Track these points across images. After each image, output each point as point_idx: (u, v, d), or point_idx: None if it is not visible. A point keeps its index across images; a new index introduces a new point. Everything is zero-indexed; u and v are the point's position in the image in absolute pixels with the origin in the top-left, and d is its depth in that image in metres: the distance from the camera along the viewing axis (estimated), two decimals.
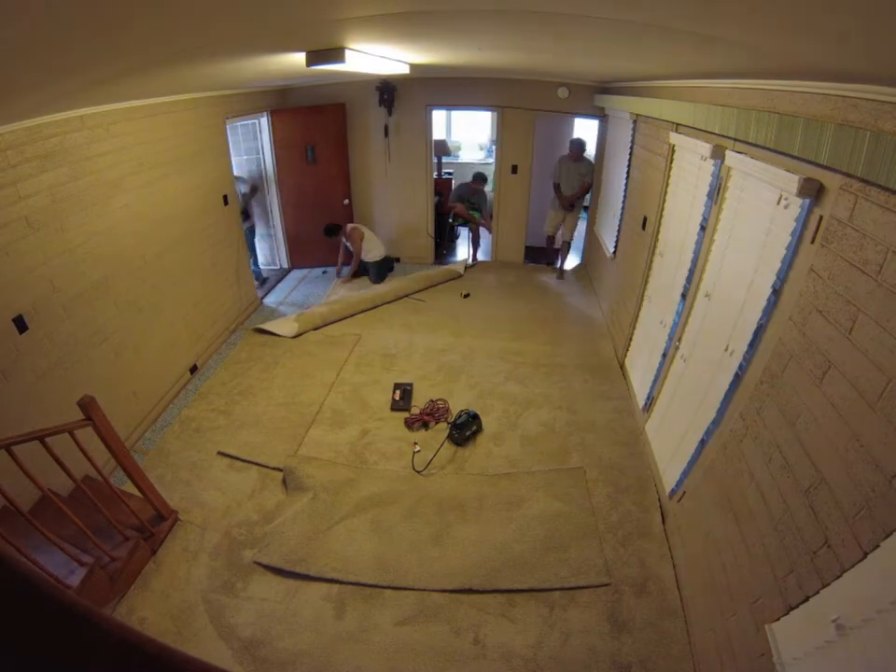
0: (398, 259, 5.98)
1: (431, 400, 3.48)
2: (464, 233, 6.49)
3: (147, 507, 2.44)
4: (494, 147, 6.07)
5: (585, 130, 6.02)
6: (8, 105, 1.83)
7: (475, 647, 2.07)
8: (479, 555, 2.42)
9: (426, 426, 3.32)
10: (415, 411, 3.43)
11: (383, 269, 5.54)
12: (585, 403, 3.54)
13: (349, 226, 5.35)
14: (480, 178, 5.92)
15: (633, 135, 4.11)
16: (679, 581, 2.29)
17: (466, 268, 5.88)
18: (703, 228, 2.49)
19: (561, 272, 5.86)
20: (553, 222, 5.62)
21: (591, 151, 5.61)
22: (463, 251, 6.61)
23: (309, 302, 5.10)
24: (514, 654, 2.04)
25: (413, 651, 2.06)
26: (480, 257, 6.30)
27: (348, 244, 5.39)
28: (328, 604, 2.24)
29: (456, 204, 5.86)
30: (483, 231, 6.10)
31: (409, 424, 3.31)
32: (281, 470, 2.93)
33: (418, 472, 2.93)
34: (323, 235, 5.31)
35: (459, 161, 8.11)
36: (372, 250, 5.41)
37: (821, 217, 1.53)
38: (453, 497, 2.76)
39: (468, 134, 8.58)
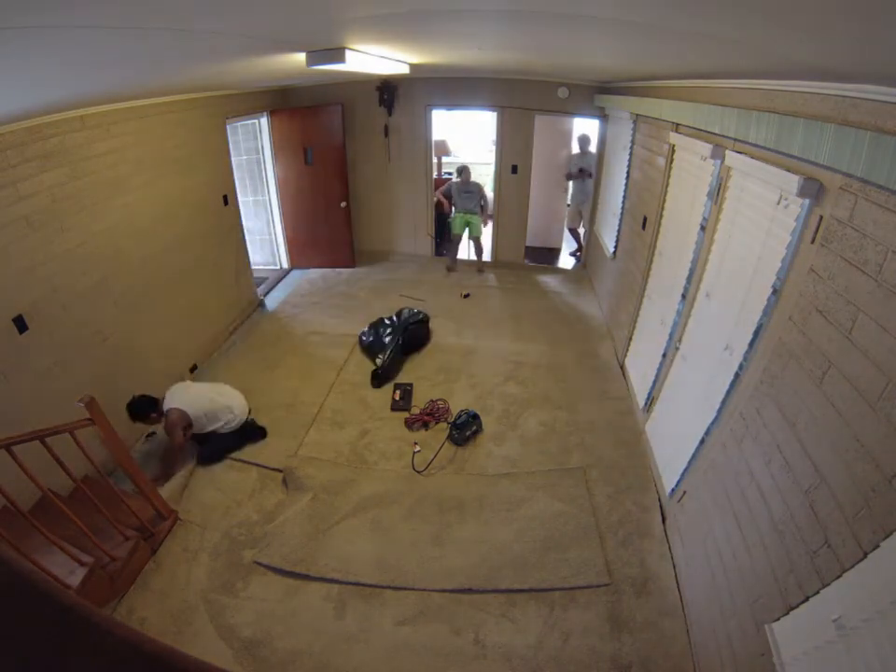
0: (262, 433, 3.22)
1: (431, 400, 3.48)
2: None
3: (147, 507, 2.44)
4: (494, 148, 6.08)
5: (585, 130, 6.04)
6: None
7: (475, 647, 2.07)
8: (479, 555, 2.43)
9: (426, 426, 3.31)
10: (415, 411, 3.43)
11: (243, 439, 3.12)
12: (585, 403, 3.54)
13: (165, 401, 2.88)
14: (465, 169, 5.94)
15: (633, 135, 4.11)
16: (679, 581, 2.29)
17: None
18: (703, 228, 2.49)
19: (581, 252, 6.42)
20: (572, 216, 6.27)
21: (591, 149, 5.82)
22: (462, 251, 6.59)
23: (310, 301, 5.08)
24: (514, 654, 2.04)
25: (412, 651, 2.06)
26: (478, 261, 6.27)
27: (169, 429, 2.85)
28: (328, 604, 2.24)
29: (444, 201, 5.91)
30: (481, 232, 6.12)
31: (409, 424, 3.31)
32: (281, 471, 2.94)
33: (418, 472, 2.93)
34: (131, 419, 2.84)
35: (460, 160, 8.09)
36: (221, 419, 3.01)
37: (821, 217, 1.53)
38: (453, 497, 2.76)
39: (469, 135, 8.56)
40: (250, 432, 3.19)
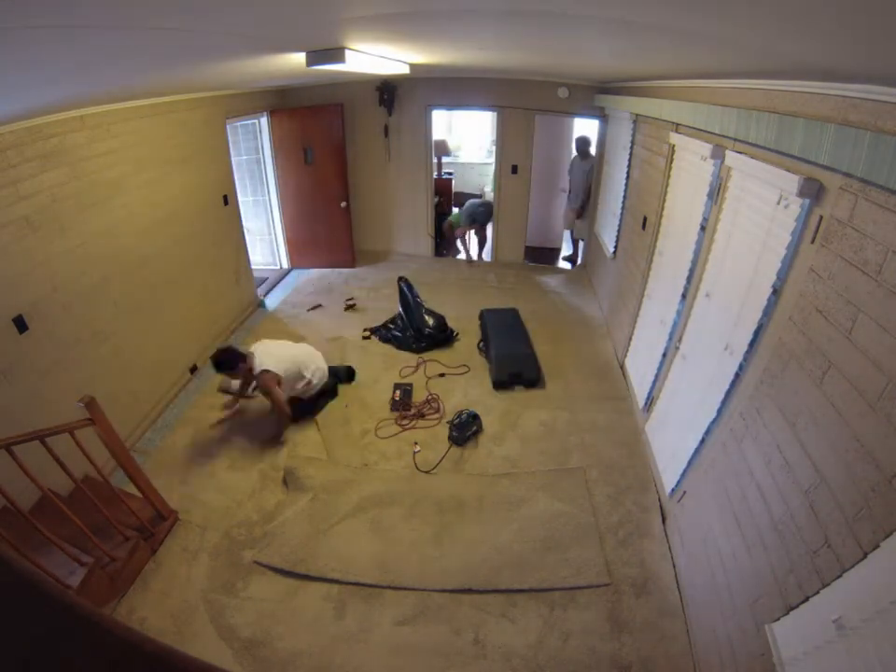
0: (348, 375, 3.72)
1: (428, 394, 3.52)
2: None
3: (147, 507, 2.44)
4: (494, 148, 6.08)
5: (585, 130, 6.03)
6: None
7: (475, 647, 2.07)
8: (479, 555, 2.42)
9: (421, 415, 3.37)
10: (413, 411, 3.44)
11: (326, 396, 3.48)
12: (585, 403, 3.54)
13: (256, 361, 2.96)
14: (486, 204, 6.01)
15: (633, 135, 4.11)
16: (679, 581, 2.28)
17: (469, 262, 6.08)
18: (703, 228, 2.49)
19: (575, 261, 6.32)
20: (568, 220, 6.13)
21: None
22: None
23: (308, 301, 5.08)
24: (514, 654, 2.04)
25: (413, 651, 2.06)
26: (479, 257, 6.28)
27: None
28: (328, 604, 2.24)
29: (464, 229, 5.96)
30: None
31: (399, 420, 3.34)
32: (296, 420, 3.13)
33: (425, 472, 2.92)
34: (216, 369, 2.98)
35: (460, 160, 8.08)
36: (305, 376, 3.23)
37: (821, 217, 1.53)
38: (453, 497, 2.76)
39: (468, 135, 8.55)
40: (332, 388, 3.52)
